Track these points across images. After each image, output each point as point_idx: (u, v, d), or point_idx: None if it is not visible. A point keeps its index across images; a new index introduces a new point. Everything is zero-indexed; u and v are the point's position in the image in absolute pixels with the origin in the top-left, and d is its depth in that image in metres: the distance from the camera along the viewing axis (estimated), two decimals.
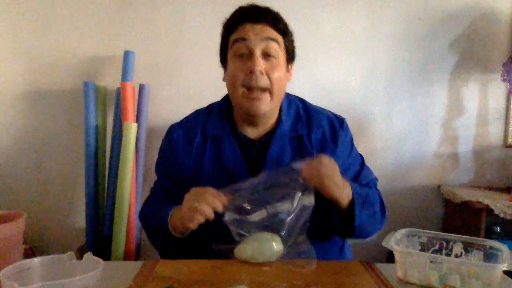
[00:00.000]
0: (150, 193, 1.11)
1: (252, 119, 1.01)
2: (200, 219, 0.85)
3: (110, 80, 1.96)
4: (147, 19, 1.97)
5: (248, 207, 0.88)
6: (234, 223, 0.88)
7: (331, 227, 1.02)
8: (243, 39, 0.94)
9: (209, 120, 1.04)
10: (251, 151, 1.01)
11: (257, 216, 0.88)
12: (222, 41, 1.03)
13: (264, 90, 0.95)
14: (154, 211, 1.02)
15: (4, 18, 1.96)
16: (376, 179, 1.11)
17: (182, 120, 1.09)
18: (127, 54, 1.87)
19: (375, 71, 2.03)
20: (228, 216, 0.88)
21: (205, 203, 0.84)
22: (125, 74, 1.86)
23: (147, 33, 1.97)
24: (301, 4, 1.97)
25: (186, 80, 1.99)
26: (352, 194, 0.92)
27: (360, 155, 1.12)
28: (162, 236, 0.97)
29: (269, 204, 0.88)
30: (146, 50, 1.97)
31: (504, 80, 1.97)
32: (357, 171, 1.06)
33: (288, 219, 0.87)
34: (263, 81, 0.94)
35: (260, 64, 0.93)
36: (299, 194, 0.87)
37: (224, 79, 1.04)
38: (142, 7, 1.96)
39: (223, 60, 1.04)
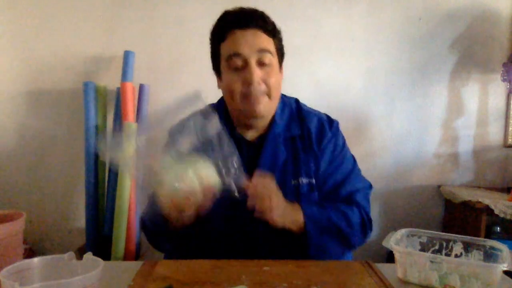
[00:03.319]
0: (149, 200, 1.06)
1: (250, 122, 1.01)
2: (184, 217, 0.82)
3: (110, 80, 1.96)
4: (147, 19, 1.97)
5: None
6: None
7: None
8: (238, 54, 0.95)
9: None
10: (247, 151, 1.02)
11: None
12: (213, 48, 1.03)
13: (263, 94, 0.97)
14: (151, 211, 0.98)
15: (4, 18, 1.96)
16: (370, 187, 1.08)
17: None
18: (127, 54, 1.87)
19: (375, 71, 2.03)
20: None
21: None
22: (125, 74, 1.86)
23: (147, 33, 1.97)
24: (302, 4, 1.97)
25: (186, 80, 1.99)
26: (304, 223, 0.92)
27: (353, 161, 1.09)
28: (163, 232, 0.92)
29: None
30: (146, 50, 1.97)
31: (504, 80, 1.97)
32: (340, 181, 1.03)
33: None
34: (261, 89, 0.96)
35: (257, 74, 0.95)
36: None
37: (219, 87, 1.05)
38: (142, 7, 1.96)
39: (216, 67, 1.04)
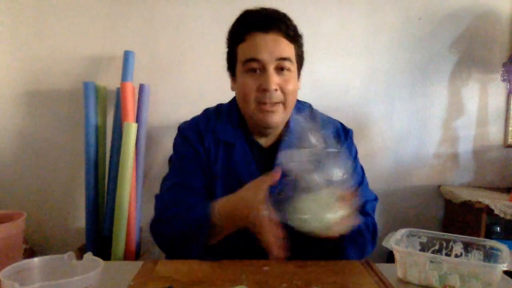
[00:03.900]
0: (170, 200, 0.98)
1: (263, 130, 1.00)
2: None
3: (110, 80, 1.96)
4: (147, 19, 1.97)
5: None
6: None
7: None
8: (256, 59, 0.92)
9: (219, 124, 1.03)
10: (261, 158, 1.00)
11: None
12: (230, 49, 1.00)
13: (277, 103, 0.95)
14: (180, 215, 0.92)
15: (4, 19, 1.96)
16: (376, 199, 1.07)
17: (193, 120, 1.06)
18: (127, 54, 1.87)
19: (375, 71, 2.03)
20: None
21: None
22: (125, 74, 1.86)
23: (147, 33, 1.97)
24: (301, 4, 1.97)
25: (186, 80, 1.99)
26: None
27: (362, 171, 1.08)
28: (199, 239, 0.88)
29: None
30: (146, 50, 1.97)
31: (504, 80, 1.97)
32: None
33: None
34: (277, 97, 0.93)
35: (274, 81, 0.92)
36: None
37: (232, 89, 1.03)
38: (142, 7, 1.96)
39: (231, 68, 1.01)
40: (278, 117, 0.95)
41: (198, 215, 0.88)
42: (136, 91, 1.92)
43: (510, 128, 2.05)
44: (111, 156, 1.90)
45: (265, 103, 0.93)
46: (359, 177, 1.06)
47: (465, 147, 2.08)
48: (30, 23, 1.96)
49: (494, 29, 2.02)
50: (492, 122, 2.07)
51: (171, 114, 2.00)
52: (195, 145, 1.00)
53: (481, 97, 2.06)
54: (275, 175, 0.82)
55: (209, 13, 1.95)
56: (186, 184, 0.99)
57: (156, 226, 0.97)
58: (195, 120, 1.06)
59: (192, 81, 1.99)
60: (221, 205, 0.87)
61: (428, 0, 2.01)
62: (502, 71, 1.96)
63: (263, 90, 0.92)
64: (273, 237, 0.77)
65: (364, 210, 1.02)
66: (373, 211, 1.05)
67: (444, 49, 2.03)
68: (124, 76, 1.85)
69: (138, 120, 1.88)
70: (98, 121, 1.91)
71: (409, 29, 2.02)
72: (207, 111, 1.08)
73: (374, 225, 1.02)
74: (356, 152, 1.10)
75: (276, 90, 0.92)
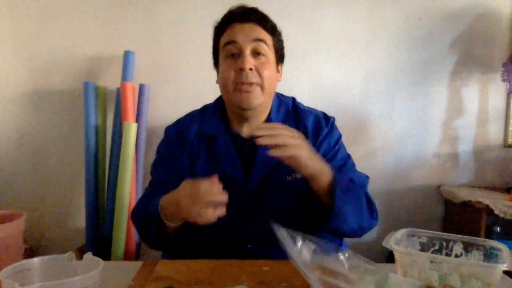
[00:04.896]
0: (143, 194, 1.11)
1: (244, 114, 1.01)
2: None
3: (110, 80, 1.96)
4: (147, 19, 1.97)
5: None
6: None
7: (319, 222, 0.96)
8: (233, 41, 0.97)
9: (204, 120, 1.07)
10: (243, 149, 1.03)
11: None
12: (214, 43, 1.06)
13: (254, 83, 0.97)
14: (144, 206, 1.01)
15: (4, 18, 1.96)
16: (366, 178, 1.07)
17: (177, 121, 1.12)
18: (127, 54, 1.87)
19: (375, 71, 2.03)
20: None
21: (204, 207, 0.81)
22: (125, 74, 1.86)
23: (147, 33, 1.97)
24: (302, 4, 1.97)
25: (186, 80, 1.99)
26: (332, 174, 0.90)
27: (347, 155, 1.09)
28: (154, 229, 0.94)
29: None
30: (146, 50, 1.97)
31: (504, 80, 1.97)
32: (338, 166, 1.02)
33: None
34: (254, 78, 0.96)
35: (250, 61, 0.96)
36: None
37: (217, 82, 1.07)
38: (142, 7, 1.97)
39: (216, 63, 1.07)
40: (255, 98, 0.97)
41: (152, 208, 0.94)
42: (136, 91, 1.92)
43: (510, 128, 2.05)
44: (111, 156, 1.90)
45: (242, 83, 0.96)
46: (343, 160, 1.06)
47: (465, 147, 2.08)
48: (30, 23, 1.96)
49: (494, 29, 2.02)
50: (492, 122, 2.07)
51: (171, 114, 1.97)
52: (174, 146, 1.05)
53: (481, 97, 2.06)
54: (213, 180, 0.85)
55: (209, 13, 1.94)
56: (158, 182, 1.07)
57: (132, 216, 1.07)
58: (178, 121, 1.12)
59: (192, 81, 1.99)
60: (165, 199, 0.92)
61: (428, 0, 2.00)
62: (502, 71, 1.96)
63: (240, 70, 0.95)
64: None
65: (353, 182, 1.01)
66: (365, 186, 1.05)
67: (444, 49, 2.03)
68: (124, 76, 1.86)
69: (138, 120, 1.88)
70: (98, 121, 1.91)
71: (409, 29, 2.01)
72: (192, 112, 1.14)
73: (368, 195, 1.01)
74: (339, 137, 1.10)
75: (251, 69, 0.95)
